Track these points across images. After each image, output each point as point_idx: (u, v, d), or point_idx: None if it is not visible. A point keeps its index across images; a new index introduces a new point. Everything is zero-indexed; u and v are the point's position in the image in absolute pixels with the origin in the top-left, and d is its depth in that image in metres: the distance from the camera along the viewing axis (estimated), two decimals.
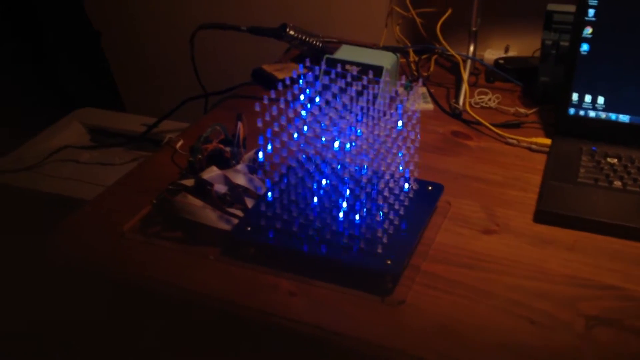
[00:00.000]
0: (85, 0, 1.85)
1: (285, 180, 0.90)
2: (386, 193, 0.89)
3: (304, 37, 1.37)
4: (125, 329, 0.94)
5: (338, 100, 0.89)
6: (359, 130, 0.89)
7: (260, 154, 0.96)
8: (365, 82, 0.90)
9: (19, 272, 0.95)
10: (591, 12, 1.06)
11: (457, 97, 1.27)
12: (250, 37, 1.38)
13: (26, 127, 1.55)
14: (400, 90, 0.95)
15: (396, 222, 0.87)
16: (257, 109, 0.84)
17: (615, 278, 0.84)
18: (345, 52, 1.23)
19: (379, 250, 0.83)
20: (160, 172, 1.07)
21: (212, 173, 0.93)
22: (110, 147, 1.49)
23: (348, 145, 0.88)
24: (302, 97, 0.88)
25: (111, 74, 1.96)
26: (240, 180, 0.93)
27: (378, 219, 0.86)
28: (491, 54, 1.41)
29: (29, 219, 1.27)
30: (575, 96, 1.11)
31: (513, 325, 0.78)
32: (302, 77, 0.89)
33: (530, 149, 1.12)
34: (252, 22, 1.37)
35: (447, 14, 1.35)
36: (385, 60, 1.21)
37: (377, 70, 1.16)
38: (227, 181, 0.92)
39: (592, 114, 1.11)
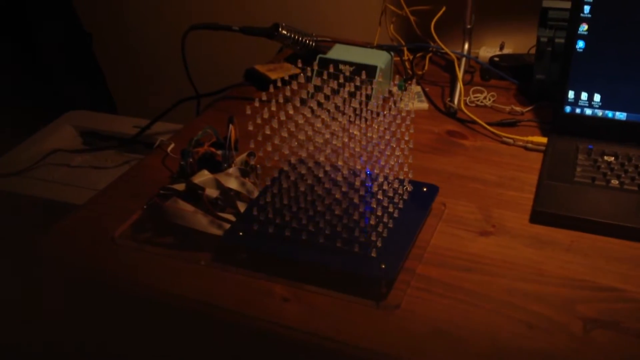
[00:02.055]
0: (76, 2, 1.83)
1: (278, 184, 0.89)
2: (380, 195, 0.87)
3: (296, 37, 1.35)
4: (115, 335, 0.92)
5: (331, 101, 0.88)
6: (351, 132, 0.87)
7: (252, 157, 0.95)
8: (358, 83, 0.89)
9: (9, 277, 0.94)
10: (587, 8, 1.04)
11: (452, 95, 1.25)
12: (243, 37, 1.36)
13: (17, 130, 1.54)
14: (395, 89, 0.93)
15: (390, 225, 0.86)
16: (249, 112, 0.83)
17: (613, 279, 0.83)
18: (338, 52, 1.22)
19: (373, 254, 0.81)
20: (151, 176, 1.06)
21: (203, 177, 0.91)
22: (102, 150, 1.47)
23: (341, 147, 0.87)
24: (294, 98, 0.86)
25: (103, 76, 1.94)
26: (232, 184, 0.91)
27: (372, 222, 0.85)
28: (486, 52, 1.40)
29: (19, 224, 1.25)
30: (571, 94, 1.09)
31: (510, 329, 0.76)
32: (294, 78, 0.88)
33: (526, 148, 1.11)
34: (245, 22, 1.36)
35: (440, 12, 1.33)
36: (379, 59, 1.20)
37: (371, 70, 1.15)
38: (219, 185, 0.91)
39: (588, 111, 1.09)
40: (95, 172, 1.41)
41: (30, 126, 1.54)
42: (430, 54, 1.41)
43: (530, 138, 1.10)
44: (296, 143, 0.86)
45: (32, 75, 1.77)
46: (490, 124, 1.15)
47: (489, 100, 1.25)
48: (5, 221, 1.26)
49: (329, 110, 0.87)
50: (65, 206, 1.26)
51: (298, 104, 0.86)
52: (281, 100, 0.85)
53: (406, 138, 0.90)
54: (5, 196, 1.33)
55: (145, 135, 1.39)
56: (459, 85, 1.24)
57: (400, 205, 0.90)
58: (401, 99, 0.90)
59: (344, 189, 0.87)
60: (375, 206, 0.86)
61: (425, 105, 1.25)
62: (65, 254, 0.91)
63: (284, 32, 1.34)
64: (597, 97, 1.08)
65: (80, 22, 1.85)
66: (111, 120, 1.59)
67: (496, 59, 1.35)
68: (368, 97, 0.88)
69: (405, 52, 1.39)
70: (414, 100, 1.24)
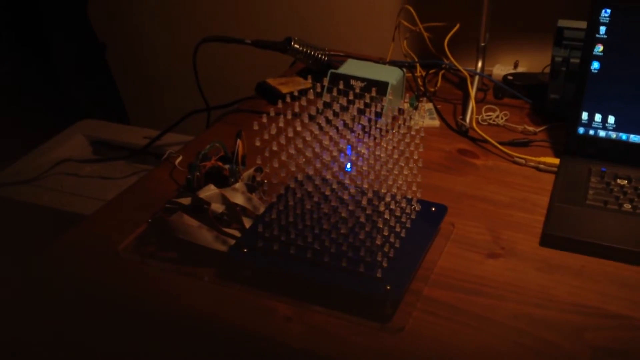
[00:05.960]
0: (90, 12, 1.84)
1: (284, 201, 0.88)
2: (387, 215, 0.86)
3: (309, 51, 1.35)
4: (114, 350, 0.91)
5: (340, 119, 0.87)
6: (360, 150, 0.86)
7: (259, 173, 0.94)
8: (368, 100, 0.88)
9: (15, 287, 0.93)
10: (602, 29, 1.03)
11: (464, 113, 1.24)
12: (255, 50, 1.36)
13: (29, 138, 1.54)
14: (406, 106, 0.92)
15: (397, 245, 0.85)
16: (256, 128, 0.82)
17: (624, 306, 0.81)
18: (350, 67, 1.21)
19: (379, 275, 0.80)
20: (159, 189, 1.05)
21: (209, 192, 0.90)
22: (112, 160, 1.47)
23: (349, 165, 0.86)
24: (303, 115, 0.85)
25: (115, 86, 1.95)
26: (238, 199, 0.90)
27: (378, 242, 0.83)
28: (500, 70, 1.39)
29: (27, 233, 1.25)
30: (585, 115, 1.08)
31: (517, 356, 0.75)
32: (304, 93, 0.87)
33: (538, 169, 1.09)
34: (259, 35, 1.36)
35: (455, 29, 1.32)
36: (391, 75, 1.18)
37: (382, 86, 1.14)
38: (225, 200, 0.90)
39: (602, 133, 1.08)
40: (104, 182, 1.40)
41: (41, 134, 1.54)
42: (443, 71, 1.40)
43: (542, 159, 1.09)
44: (303, 160, 0.85)
45: (45, 83, 1.77)
46: (502, 144, 1.14)
47: (502, 119, 1.24)
48: (13, 230, 1.26)
49: (337, 128, 0.87)
50: (72, 216, 1.25)
51: (307, 120, 0.85)
52: (289, 116, 0.84)
53: (415, 157, 0.89)
54: (14, 205, 1.33)
55: (156, 146, 1.39)
56: (472, 103, 1.23)
57: (408, 225, 0.88)
58: (411, 117, 0.89)
59: (350, 207, 0.86)
60: (382, 225, 0.85)
61: (436, 122, 1.24)
62: (70, 266, 0.90)
63: (296, 46, 1.33)
64: (611, 119, 1.07)
65: (94, 31, 1.86)
66: (122, 130, 1.59)
67: (510, 77, 1.34)
68: (378, 115, 0.87)
69: (418, 68, 1.38)
70: (425, 118, 1.23)
